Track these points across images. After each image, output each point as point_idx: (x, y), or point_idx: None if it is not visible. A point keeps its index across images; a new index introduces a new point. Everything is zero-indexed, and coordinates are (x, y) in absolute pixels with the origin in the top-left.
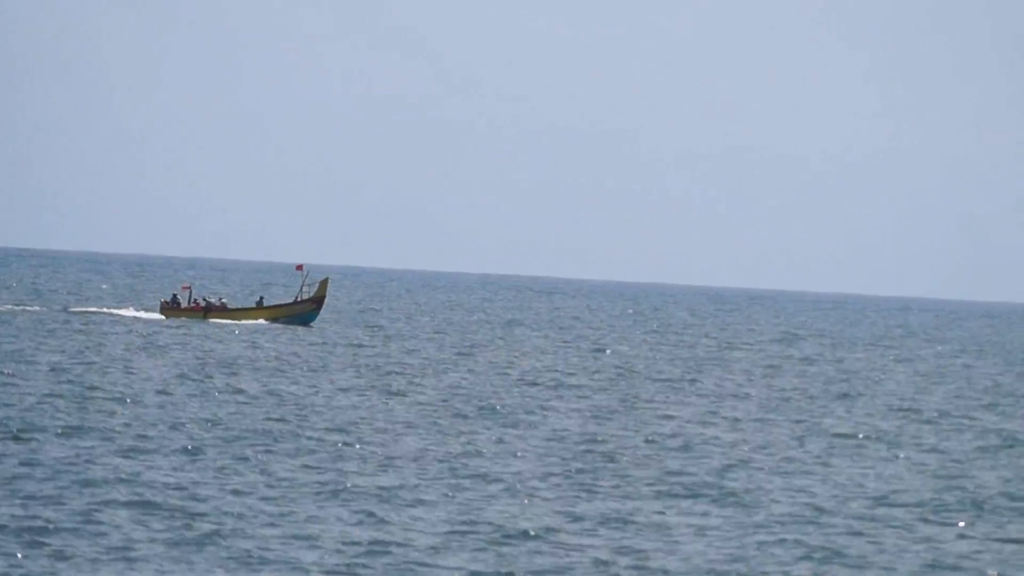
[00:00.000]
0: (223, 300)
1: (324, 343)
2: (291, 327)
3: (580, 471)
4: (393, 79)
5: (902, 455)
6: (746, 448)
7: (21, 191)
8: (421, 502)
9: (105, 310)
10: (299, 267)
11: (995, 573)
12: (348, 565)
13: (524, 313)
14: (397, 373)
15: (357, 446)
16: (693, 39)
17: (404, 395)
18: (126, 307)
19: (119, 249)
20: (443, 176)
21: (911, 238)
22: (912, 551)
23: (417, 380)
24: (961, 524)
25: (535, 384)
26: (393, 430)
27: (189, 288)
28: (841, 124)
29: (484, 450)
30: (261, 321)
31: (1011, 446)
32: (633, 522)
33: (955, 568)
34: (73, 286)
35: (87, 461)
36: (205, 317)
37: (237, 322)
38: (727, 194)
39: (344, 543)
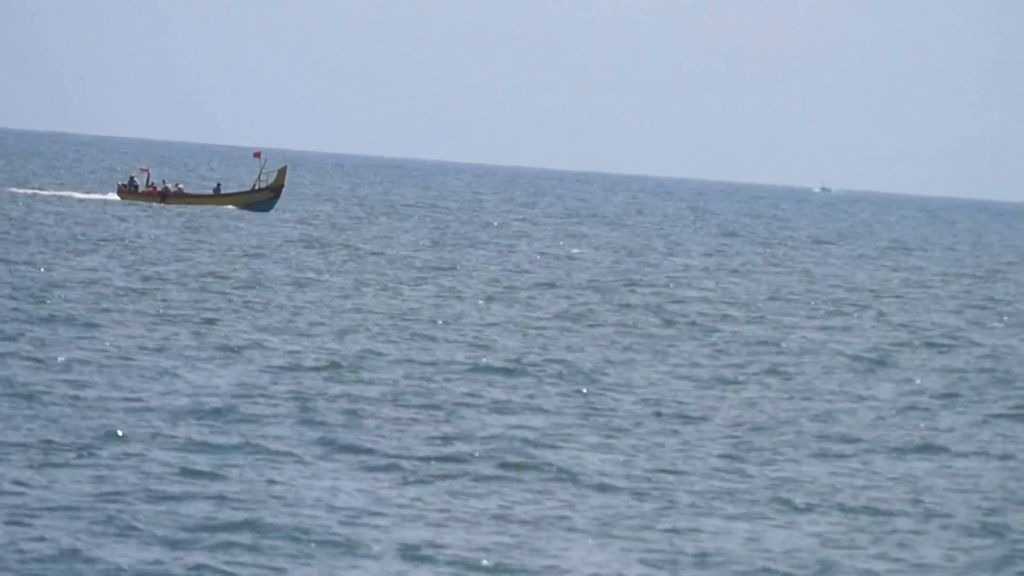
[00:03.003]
0: (180, 185)
1: None
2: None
3: None
4: None
5: None
6: None
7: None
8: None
9: (59, 193)
10: (257, 154)
11: None
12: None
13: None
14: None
15: None
16: None
17: None
18: (71, 189)
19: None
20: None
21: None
22: None
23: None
24: None
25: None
26: None
27: (147, 171)
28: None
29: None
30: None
31: None
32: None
33: None
34: (41, 168)
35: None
36: (162, 202)
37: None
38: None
39: None
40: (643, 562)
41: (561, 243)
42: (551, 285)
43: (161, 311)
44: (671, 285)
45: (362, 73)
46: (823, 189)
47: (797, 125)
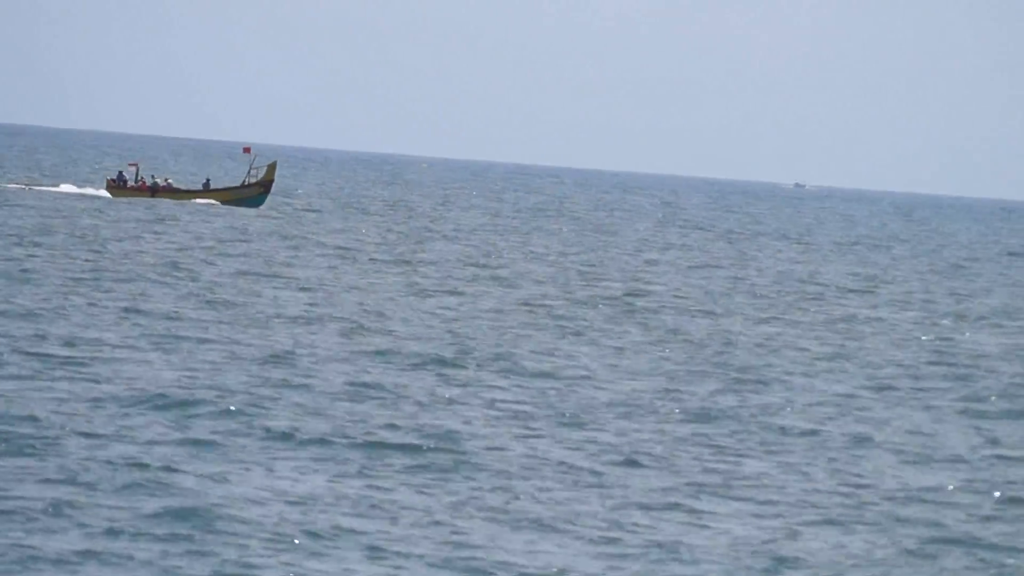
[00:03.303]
0: (169, 180)
1: None
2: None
3: None
4: None
5: None
6: None
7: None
8: None
9: (46, 188)
10: (247, 149)
11: None
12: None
13: None
14: None
15: None
16: None
17: None
18: (66, 183)
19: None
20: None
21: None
22: None
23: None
24: None
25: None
26: None
27: (136, 166)
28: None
29: None
30: (210, 201)
31: None
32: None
33: None
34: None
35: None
36: (152, 197)
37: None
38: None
39: None
40: (593, 555)
41: (526, 237)
42: (512, 278)
43: (114, 303)
44: (633, 279)
45: (339, 67)
46: (796, 185)
47: (773, 122)
